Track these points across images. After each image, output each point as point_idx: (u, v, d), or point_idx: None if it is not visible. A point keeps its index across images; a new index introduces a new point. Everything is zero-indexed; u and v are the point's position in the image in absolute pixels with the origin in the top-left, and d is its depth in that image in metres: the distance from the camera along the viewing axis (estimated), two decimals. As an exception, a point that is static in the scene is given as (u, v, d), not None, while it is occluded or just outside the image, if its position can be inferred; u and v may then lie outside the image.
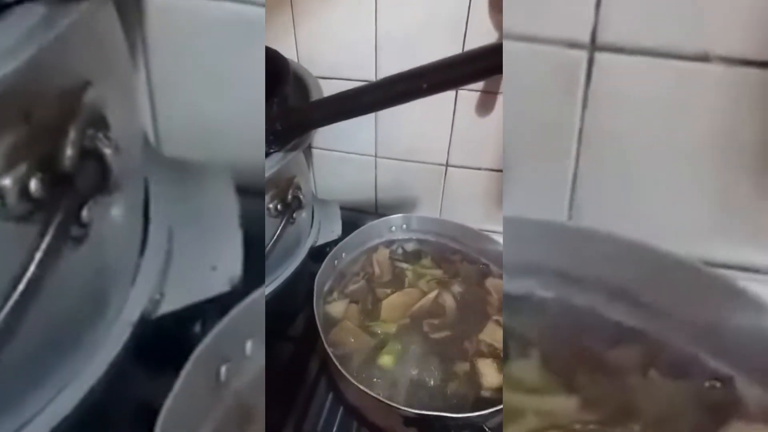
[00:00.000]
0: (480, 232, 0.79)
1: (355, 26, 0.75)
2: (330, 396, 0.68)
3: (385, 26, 0.74)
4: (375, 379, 0.62)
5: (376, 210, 1.00)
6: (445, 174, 0.89)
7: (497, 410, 0.53)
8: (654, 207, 0.61)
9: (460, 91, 0.78)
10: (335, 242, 0.79)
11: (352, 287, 0.75)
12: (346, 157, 0.92)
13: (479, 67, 0.46)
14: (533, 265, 0.53)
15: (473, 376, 0.63)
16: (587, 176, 0.62)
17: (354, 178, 0.95)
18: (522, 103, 0.60)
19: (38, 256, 0.33)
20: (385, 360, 0.64)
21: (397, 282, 0.76)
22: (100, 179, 0.36)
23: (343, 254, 0.77)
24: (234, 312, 0.44)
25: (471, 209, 0.92)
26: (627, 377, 0.48)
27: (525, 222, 0.51)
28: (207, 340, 0.42)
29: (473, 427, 0.55)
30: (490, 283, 0.76)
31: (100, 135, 0.36)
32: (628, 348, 0.50)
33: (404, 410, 0.54)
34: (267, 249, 0.64)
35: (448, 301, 0.72)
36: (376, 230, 0.82)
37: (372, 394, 0.55)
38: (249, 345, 0.47)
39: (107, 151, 0.36)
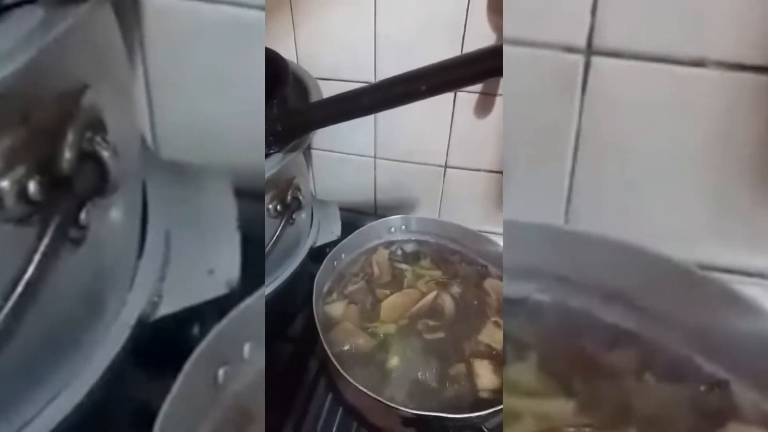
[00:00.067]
0: (479, 234, 0.79)
1: (355, 28, 0.75)
2: (329, 396, 0.68)
3: (384, 28, 0.74)
4: (374, 380, 0.62)
5: (376, 211, 1.00)
6: (444, 175, 0.89)
7: (496, 411, 0.54)
8: (651, 211, 0.62)
9: (458, 93, 0.78)
10: (334, 243, 0.79)
11: (351, 288, 0.75)
12: (345, 158, 0.92)
13: (478, 69, 0.47)
14: (531, 269, 0.53)
15: (471, 376, 0.63)
16: (584, 180, 0.62)
17: (353, 179, 0.95)
18: (520, 107, 0.60)
19: (37, 258, 0.33)
20: (384, 360, 0.65)
21: (396, 283, 0.76)
22: (98, 182, 0.36)
23: (343, 255, 0.77)
24: (232, 314, 0.44)
25: (470, 210, 0.92)
26: (623, 380, 0.48)
27: (522, 225, 0.52)
28: (205, 342, 0.42)
29: (472, 428, 0.55)
30: (489, 284, 0.76)
31: (98, 138, 0.36)
32: (625, 351, 0.50)
33: (403, 410, 0.54)
34: (267, 249, 0.64)
35: (447, 302, 0.72)
36: (376, 231, 0.82)
37: (371, 394, 0.55)
38: (247, 347, 0.47)
39: (105, 154, 0.36)
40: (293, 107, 0.63)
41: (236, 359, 0.46)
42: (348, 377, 0.57)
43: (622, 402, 0.46)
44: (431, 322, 0.70)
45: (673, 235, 0.60)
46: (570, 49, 0.57)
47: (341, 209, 0.89)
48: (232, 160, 0.58)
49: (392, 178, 0.93)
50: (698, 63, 0.55)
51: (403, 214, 0.83)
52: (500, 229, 0.80)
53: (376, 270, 0.77)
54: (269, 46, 0.66)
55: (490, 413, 0.54)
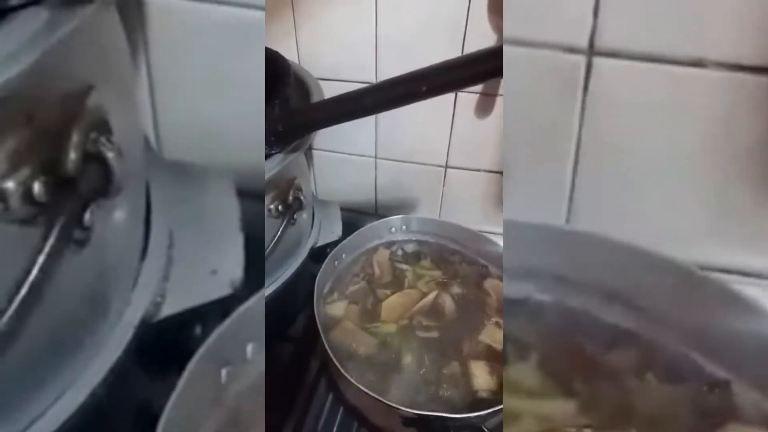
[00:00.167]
0: (479, 234, 0.79)
1: (356, 28, 0.75)
2: (330, 396, 0.68)
3: (385, 28, 0.74)
4: (375, 380, 0.62)
5: (376, 211, 1.00)
6: (445, 175, 0.89)
7: (496, 411, 0.54)
8: (651, 211, 0.62)
9: (459, 94, 0.78)
10: (335, 243, 0.79)
11: (352, 288, 0.75)
12: (346, 159, 0.92)
13: (479, 70, 0.47)
14: (531, 269, 0.53)
15: (470, 377, 0.63)
16: (585, 180, 0.62)
17: (354, 180, 0.95)
18: (521, 108, 0.60)
19: (41, 258, 0.33)
20: (385, 360, 0.65)
21: (396, 283, 0.76)
22: (102, 183, 0.36)
23: (344, 255, 0.77)
24: (235, 315, 0.44)
25: (470, 211, 0.92)
26: (624, 381, 0.48)
27: (523, 226, 0.52)
28: (208, 343, 0.42)
29: (472, 428, 0.55)
30: (489, 284, 0.76)
31: (103, 139, 0.36)
32: (625, 351, 0.50)
33: (403, 410, 0.55)
34: (268, 250, 0.64)
35: (448, 302, 0.73)
36: (376, 231, 0.82)
37: (372, 394, 0.55)
38: (250, 348, 0.47)
39: (110, 155, 0.36)
40: (295, 107, 0.63)
41: (239, 360, 0.46)
42: (349, 377, 0.57)
43: (623, 402, 0.47)
44: (432, 323, 0.70)
45: (672, 236, 0.60)
46: (572, 50, 0.57)
47: (342, 209, 0.89)
48: (235, 161, 0.58)
49: (393, 178, 0.93)
50: (698, 63, 0.55)
51: (403, 214, 0.83)
52: (500, 230, 0.80)
53: (376, 270, 0.78)
54: (271, 47, 0.66)
55: (490, 413, 0.54)
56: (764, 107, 0.55)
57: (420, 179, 0.91)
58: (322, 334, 0.62)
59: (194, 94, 0.61)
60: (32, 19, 0.32)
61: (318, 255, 0.78)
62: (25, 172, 0.32)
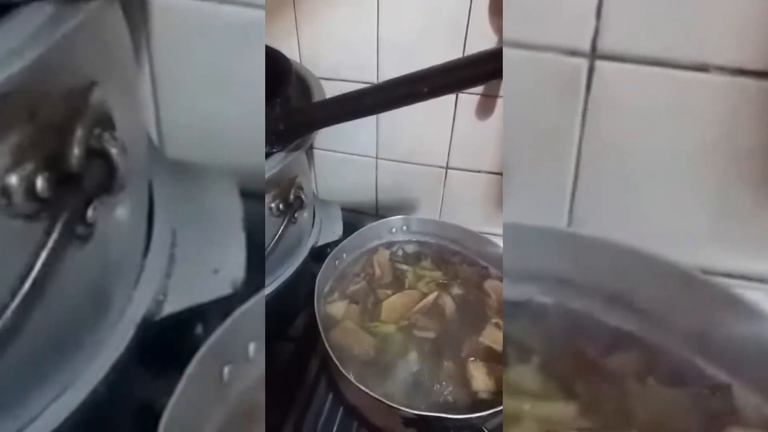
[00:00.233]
0: (479, 235, 0.79)
1: (357, 28, 0.75)
2: (330, 396, 0.68)
3: (386, 28, 0.74)
4: (375, 380, 0.62)
5: (377, 211, 1.00)
6: (445, 176, 0.89)
7: (496, 412, 0.54)
8: (653, 214, 0.62)
9: (460, 95, 0.78)
10: (336, 243, 0.79)
11: (352, 288, 0.75)
12: (347, 159, 0.92)
13: (480, 71, 0.47)
14: (533, 272, 0.53)
15: (469, 378, 0.63)
16: (587, 183, 0.62)
17: (355, 180, 0.95)
18: (522, 110, 0.60)
19: (44, 254, 0.33)
20: (385, 360, 0.65)
21: (397, 283, 0.76)
22: (106, 179, 0.36)
23: (344, 255, 0.77)
24: (237, 314, 0.44)
25: (471, 212, 0.92)
26: (625, 384, 0.48)
27: (524, 228, 0.52)
28: (210, 341, 0.42)
29: (472, 429, 0.55)
30: (489, 285, 0.76)
31: (107, 135, 0.35)
32: (627, 355, 0.50)
33: (404, 411, 0.55)
34: (268, 249, 0.64)
35: (448, 303, 0.73)
36: (377, 231, 0.82)
37: (372, 394, 0.55)
38: (252, 347, 0.47)
39: (114, 151, 0.35)
40: (296, 106, 0.64)
41: (241, 358, 0.46)
42: (349, 377, 0.57)
43: (624, 405, 0.47)
44: (432, 323, 0.70)
45: (674, 239, 0.60)
46: (574, 53, 0.57)
47: (343, 209, 0.89)
48: (237, 161, 0.58)
49: (394, 178, 0.93)
50: (700, 67, 0.55)
51: (404, 214, 0.83)
52: (501, 231, 0.80)
53: (377, 270, 0.78)
54: (273, 46, 0.66)
55: (490, 414, 0.54)
56: (767, 111, 0.55)
57: (421, 180, 0.91)
58: (322, 334, 0.62)
59: (197, 93, 0.61)
60: (36, 15, 0.32)
61: (318, 254, 0.78)
62: (28, 167, 0.32)
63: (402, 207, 0.96)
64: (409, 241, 0.84)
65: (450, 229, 0.82)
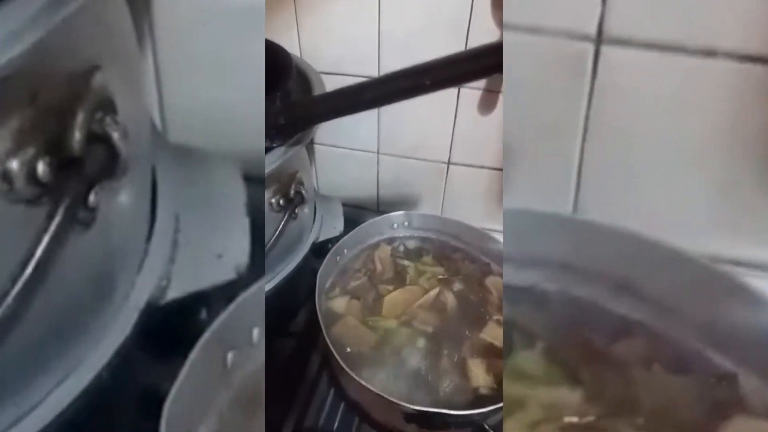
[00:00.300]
0: (481, 231, 0.79)
1: (358, 22, 0.75)
2: (331, 391, 0.68)
3: (387, 22, 0.74)
4: (376, 375, 0.62)
5: (378, 207, 1.00)
6: (447, 172, 0.89)
7: (497, 408, 0.54)
8: (659, 201, 0.61)
9: (462, 90, 0.78)
10: (337, 238, 0.78)
11: (353, 283, 0.75)
12: (348, 154, 0.92)
13: (482, 64, 0.47)
14: (537, 258, 0.53)
15: (470, 374, 0.63)
16: (592, 170, 0.62)
17: (356, 175, 0.95)
18: (526, 95, 0.59)
19: (46, 239, 0.33)
20: (387, 356, 0.65)
21: (398, 279, 0.76)
22: (108, 163, 0.36)
23: (345, 250, 0.77)
24: (240, 299, 0.44)
25: (472, 207, 0.92)
26: (630, 371, 0.47)
27: (529, 214, 0.51)
28: (214, 326, 0.42)
29: (473, 425, 0.55)
30: (491, 281, 0.76)
31: (108, 119, 0.35)
32: (632, 341, 0.50)
33: (405, 406, 0.54)
34: (269, 244, 0.64)
35: (449, 298, 0.73)
36: (378, 227, 0.82)
37: (373, 389, 0.55)
38: (255, 332, 0.47)
39: (115, 135, 0.35)
40: (296, 100, 0.63)
41: (245, 344, 0.46)
42: (350, 372, 0.57)
43: (629, 392, 0.46)
44: (433, 319, 0.70)
45: (681, 226, 0.60)
46: (580, 37, 0.57)
47: (344, 205, 0.89)
48: (240, 146, 0.57)
49: (395, 174, 0.93)
50: (708, 53, 0.55)
51: (405, 210, 0.83)
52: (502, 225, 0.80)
53: (378, 266, 0.77)
54: (273, 40, 0.66)
55: (491, 410, 0.54)
56: (775, 98, 0.55)
57: (422, 175, 0.91)
58: (323, 329, 0.62)
59: (200, 78, 0.60)
60: (36, -2, 0.32)
61: (319, 250, 0.78)
62: (29, 151, 0.32)
63: (403, 202, 0.96)
64: (411, 237, 0.84)
65: (452, 224, 0.82)
